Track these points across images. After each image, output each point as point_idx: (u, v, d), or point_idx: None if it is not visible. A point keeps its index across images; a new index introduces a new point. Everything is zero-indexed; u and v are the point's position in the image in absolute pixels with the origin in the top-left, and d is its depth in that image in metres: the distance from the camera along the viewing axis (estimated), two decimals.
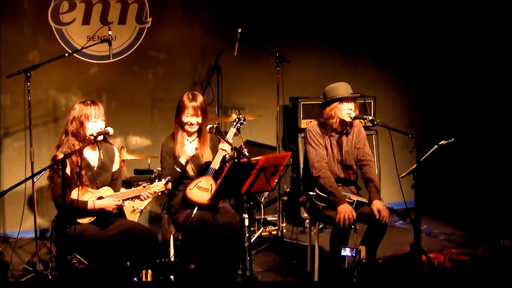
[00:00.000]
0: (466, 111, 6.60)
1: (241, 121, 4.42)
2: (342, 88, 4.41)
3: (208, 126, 4.13)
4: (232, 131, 4.40)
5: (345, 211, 4.13)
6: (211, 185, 4.19)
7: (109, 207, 3.95)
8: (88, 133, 3.95)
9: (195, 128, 4.27)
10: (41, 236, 5.49)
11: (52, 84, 5.85)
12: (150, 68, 6.11)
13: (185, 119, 4.23)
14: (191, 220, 4.11)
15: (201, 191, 4.16)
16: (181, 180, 4.28)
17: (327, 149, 4.42)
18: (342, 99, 4.35)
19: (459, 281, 4.45)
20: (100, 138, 3.97)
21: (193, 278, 4.36)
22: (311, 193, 4.33)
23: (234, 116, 5.52)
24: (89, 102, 4.01)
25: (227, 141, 4.06)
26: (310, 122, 4.81)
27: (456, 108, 6.65)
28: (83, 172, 3.94)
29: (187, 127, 4.26)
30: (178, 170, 4.20)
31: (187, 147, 4.22)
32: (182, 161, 4.21)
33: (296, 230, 5.69)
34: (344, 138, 4.48)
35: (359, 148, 4.49)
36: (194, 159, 4.28)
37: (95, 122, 3.97)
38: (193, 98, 4.23)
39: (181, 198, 4.25)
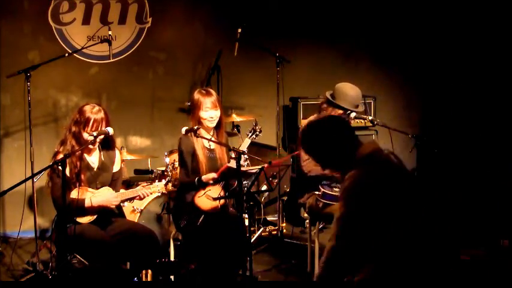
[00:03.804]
0: (466, 111, 6.59)
1: (257, 132, 4.36)
2: (356, 97, 4.36)
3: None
4: (247, 141, 4.29)
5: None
6: (220, 194, 4.17)
7: (107, 203, 3.93)
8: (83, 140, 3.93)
9: (215, 121, 4.22)
10: (41, 236, 5.49)
11: (52, 84, 5.84)
12: (150, 68, 6.11)
13: (204, 114, 4.19)
14: (196, 227, 4.11)
15: (209, 200, 4.14)
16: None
17: None
18: (351, 111, 4.35)
19: (459, 281, 4.45)
20: (100, 138, 3.95)
21: (193, 278, 4.36)
22: (317, 192, 4.32)
23: (234, 116, 5.59)
24: (95, 110, 3.94)
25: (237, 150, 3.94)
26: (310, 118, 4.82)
27: (456, 108, 6.65)
28: (82, 173, 3.93)
29: (207, 122, 4.20)
30: (195, 183, 4.14)
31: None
32: (204, 178, 4.16)
33: (296, 230, 5.69)
34: None
35: None
36: (210, 161, 4.24)
37: (89, 135, 3.91)
38: (208, 93, 4.23)
39: (185, 201, 4.22)
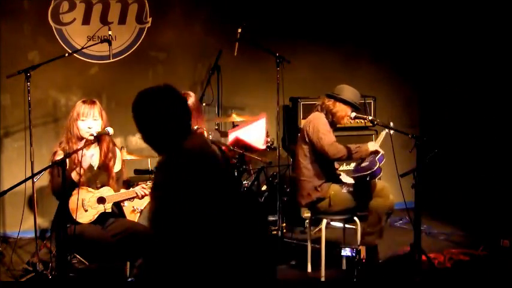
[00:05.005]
0: (466, 111, 6.60)
1: (269, 144, 4.42)
2: (359, 97, 4.56)
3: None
4: None
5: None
6: None
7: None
8: (79, 132, 3.95)
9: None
10: (41, 236, 5.48)
11: (52, 84, 5.85)
12: (150, 68, 6.11)
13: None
14: None
15: None
16: None
17: None
18: (357, 109, 4.52)
19: (459, 281, 4.45)
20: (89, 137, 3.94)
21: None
22: (349, 181, 4.44)
23: (234, 116, 5.58)
24: (87, 100, 4.02)
25: None
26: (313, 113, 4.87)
27: (456, 108, 6.65)
28: (82, 173, 3.93)
29: None
30: None
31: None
32: None
33: (296, 230, 5.69)
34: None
35: None
36: None
37: (83, 121, 3.95)
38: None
39: None
